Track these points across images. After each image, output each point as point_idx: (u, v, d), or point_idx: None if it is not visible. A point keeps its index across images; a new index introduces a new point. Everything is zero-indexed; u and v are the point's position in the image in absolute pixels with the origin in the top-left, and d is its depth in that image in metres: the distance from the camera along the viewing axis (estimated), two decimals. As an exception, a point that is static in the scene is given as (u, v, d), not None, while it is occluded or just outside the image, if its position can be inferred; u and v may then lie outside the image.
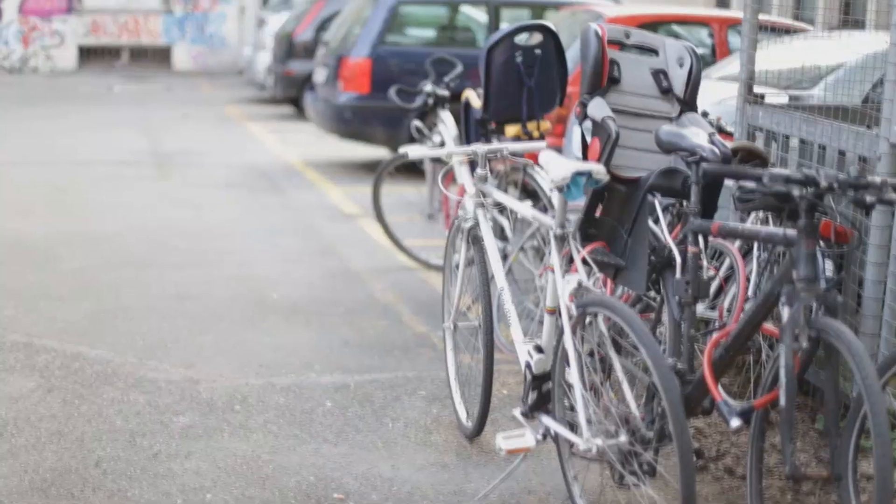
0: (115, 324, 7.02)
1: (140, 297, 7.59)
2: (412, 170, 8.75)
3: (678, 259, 4.54)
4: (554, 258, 4.64)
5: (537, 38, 7.27)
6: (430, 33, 13.32)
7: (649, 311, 5.18)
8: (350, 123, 12.41)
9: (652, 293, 5.00)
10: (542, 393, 4.80)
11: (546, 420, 4.69)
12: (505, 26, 11.91)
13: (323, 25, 17.19)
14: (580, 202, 4.80)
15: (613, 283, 5.19)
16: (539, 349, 4.84)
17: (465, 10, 13.41)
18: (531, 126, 7.21)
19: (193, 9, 25.10)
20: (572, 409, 4.47)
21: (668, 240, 4.67)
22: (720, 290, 5.54)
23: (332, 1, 18.12)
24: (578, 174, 4.43)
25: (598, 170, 4.45)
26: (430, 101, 8.30)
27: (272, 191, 11.55)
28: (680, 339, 4.51)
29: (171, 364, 6.30)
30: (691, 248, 4.46)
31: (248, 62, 20.88)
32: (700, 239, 4.51)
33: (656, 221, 4.84)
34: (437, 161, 8.29)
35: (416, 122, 8.59)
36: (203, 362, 6.35)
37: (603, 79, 4.88)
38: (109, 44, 24.79)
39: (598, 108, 4.76)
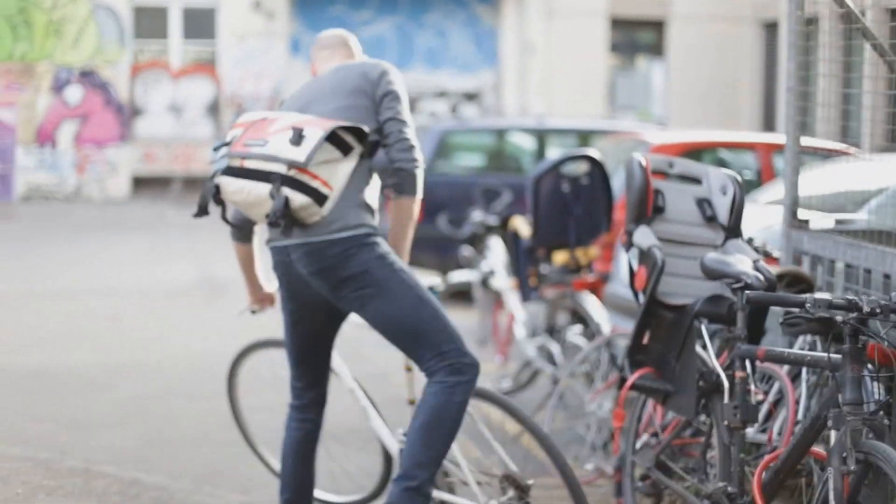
0: (170, 451, 7.12)
1: (193, 426, 7.70)
2: (463, 297, 8.85)
3: (726, 384, 4.62)
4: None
5: (583, 167, 7.43)
6: (477, 161, 13.51)
7: (699, 435, 5.24)
8: (399, 251, 12.56)
9: (702, 417, 5.06)
10: None
11: (437, 493, 5.09)
12: (552, 153, 12.14)
13: (371, 153, 17.48)
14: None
15: (663, 409, 5.25)
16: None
17: (512, 137, 13.61)
18: (579, 253, 7.35)
19: (245, 137, 25.54)
20: (446, 475, 5.20)
21: (716, 365, 4.75)
22: (770, 414, 5.59)
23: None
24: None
25: (437, 282, 5.35)
26: (479, 229, 8.44)
27: (323, 317, 11.66)
28: (730, 463, 4.57)
29: (227, 490, 6.39)
30: (739, 374, 4.54)
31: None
32: (747, 364, 4.59)
33: (704, 347, 4.92)
34: (487, 288, 8.41)
35: (465, 250, 8.73)
36: (259, 489, 6.42)
37: (648, 208, 5.01)
38: (162, 172, 25.22)
39: (644, 236, 4.88)
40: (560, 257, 7.41)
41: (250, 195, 4.72)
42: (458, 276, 8.84)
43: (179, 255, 16.14)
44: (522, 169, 12.94)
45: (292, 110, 5.00)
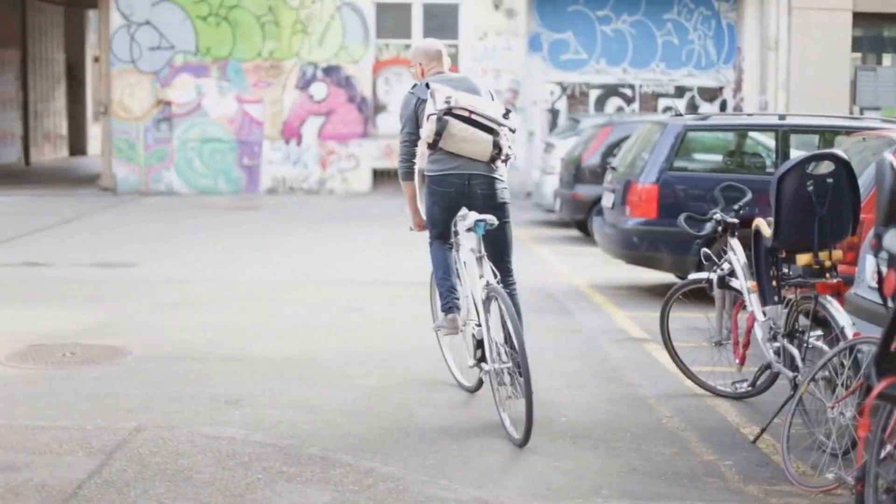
0: (406, 441, 7.22)
1: (430, 416, 7.79)
2: (701, 296, 8.73)
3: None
4: (485, 270, 7.73)
5: (828, 166, 7.24)
6: (717, 159, 13.30)
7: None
8: (637, 248, 12.45)
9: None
10: (482, 352, 7.76)
11: (484, 365, 7.70)
12: (794, 153, 11.86)
13: (610, 150, 17.40)
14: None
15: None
16: (478, 325, 7.78)
17: (753, 136, 13.34)
18: (823, 255, 7.17)
19: (483, 133, 25.75)
20: (491, 358, 7.56)
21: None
22: None
23: (620, 127, 18.33)
24: (478, 221, 7.59)
25: (491, 218, 7.62)
26: (719, 228, 8.30)
27: (558, 313, 11.68)
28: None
29: (461, 484, 6.43)
30: None
31: (536, 185, 21.25)
32: None
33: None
34: (726, 288, 8.27)
35: (705, 250, 8.60)
36: (491, 483, 6.46)
37: (899, 210, 4.85)
38: (402, 167, 25.62)
39: (895, 240, 4.73)
40: (803, 259, 7.23)
41: (473, 135, 7.80)
42: (698, 276, 8.71)
43: (418, 247, 16.32)
44: (764, 168, 12.68)
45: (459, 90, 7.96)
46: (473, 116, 7.75)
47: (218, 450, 6.86)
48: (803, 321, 7.40)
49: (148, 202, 23.61)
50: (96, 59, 27.90)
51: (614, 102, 26.46)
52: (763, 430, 7.32)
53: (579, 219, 18.08)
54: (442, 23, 25.96)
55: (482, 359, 7.81)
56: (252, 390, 8.37)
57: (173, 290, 12.66)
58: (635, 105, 26.39)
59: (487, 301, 7.61)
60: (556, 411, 8.00)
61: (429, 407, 8.02)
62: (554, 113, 26.40)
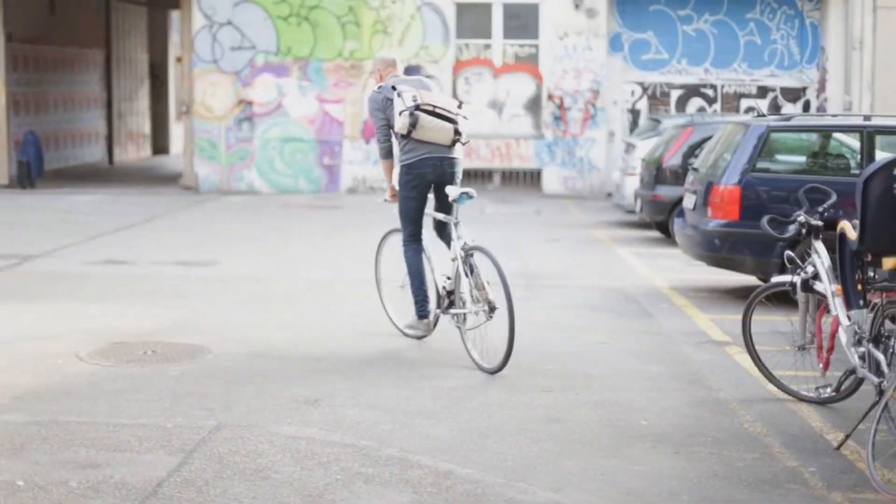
0: (485, 443, 7.19)
1: (509, 419, 7.76)
2: (784, 299, 8.62)
3: None
4: (463, 233, 9.58)
5: (916, 168, 7.12)
6: (800, 160, 13.12)
7: None
8: (718, 250, 12.32)
9: None
10: (451, 300, 9.60)
11: (453, 310, 9.53)
12: (879, 154, 11.67)
13: (691, 151, 17.25)
14: None
15: None
16: (448, 278, 9.67)
17: (838, 137, 13.16)
18: (910, 259, 7.05)
19: (564, 133, 25.66)
20: (463, 304, 9.47)
21: None
22: None
23: (701, 127, 18.17)
24: (462, 194, 9.51)
25: (471, 191, 9.56)
26: (803, 230, 8.18)
27: (639, 315, 11.59)
28: None
29: (539, 487, 6.39)
30: None
31: (617, 186, 21.14)
32: None
33: None
34: (810, 292, 8.15)
35: (788, 252, 8.49)
36: (570, 487, 6.41)
37: None
38: (482, 167, 25.59)
39: None
40: (889, 262, 7.12)
41: (439, 125, 9.58)
42: (781, 279, 8.61)
43: (498, 249, 16.26)
44: (849, 170, 12.51)
45: (419, 89, 9.78)
46: (437, 110, 9.60)
47: (297, 449, 6.88)
48: (889, 326, 7.29)
49: (229, 201, 23.79)
50: (179, 59, 28.17)
51: (696, 103, 26.27)
52: (847, 437, 7.21)
53: (660, 220, 17.94)
54: (522, 22, 25.91)
55: (450, 305, 9.64)
56: (331, 390, 8.38)
57: (253, 289, 12.73)
58: (717, 105, 26.18)
59: (467, 257, 9.38)
60: (636, 414, 7.94)
61: (508, 409, 7.99)
62: (634, 113, 26.25)
